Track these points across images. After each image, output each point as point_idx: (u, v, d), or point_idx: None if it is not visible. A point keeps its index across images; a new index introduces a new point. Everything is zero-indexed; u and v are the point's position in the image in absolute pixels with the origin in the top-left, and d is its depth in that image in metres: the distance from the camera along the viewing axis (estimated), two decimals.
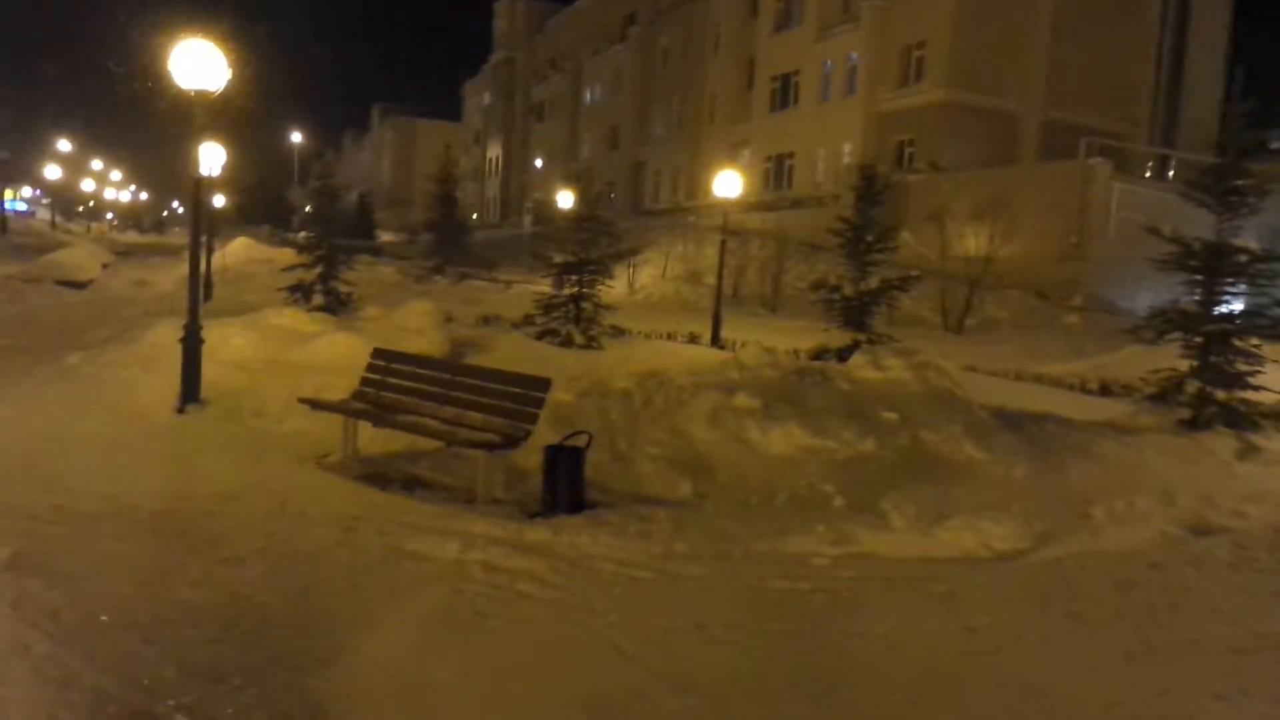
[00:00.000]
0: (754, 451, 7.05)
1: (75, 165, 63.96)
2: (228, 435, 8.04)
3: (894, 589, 5.24)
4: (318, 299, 14.06)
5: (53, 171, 57.34)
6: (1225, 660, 4.51)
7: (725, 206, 18.37)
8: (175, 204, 79.87)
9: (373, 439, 7.73)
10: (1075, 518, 6.66)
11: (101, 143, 64.46)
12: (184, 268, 10.75)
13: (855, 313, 11.66)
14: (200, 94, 8.52)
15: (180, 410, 8.48)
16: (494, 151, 74.97)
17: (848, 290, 11.49)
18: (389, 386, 7.68)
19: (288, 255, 14.69)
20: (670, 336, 15.24)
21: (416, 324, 10.95)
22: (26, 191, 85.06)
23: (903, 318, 11.79)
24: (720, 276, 17.23)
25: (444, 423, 7.01)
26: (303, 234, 16.94)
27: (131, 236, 54.74)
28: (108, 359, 9.97)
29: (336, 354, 9.36)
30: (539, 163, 62.71)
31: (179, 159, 23.07)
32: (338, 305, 14.06)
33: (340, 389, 8.31)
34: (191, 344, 8.59)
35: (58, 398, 8.84)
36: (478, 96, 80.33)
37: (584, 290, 13.12)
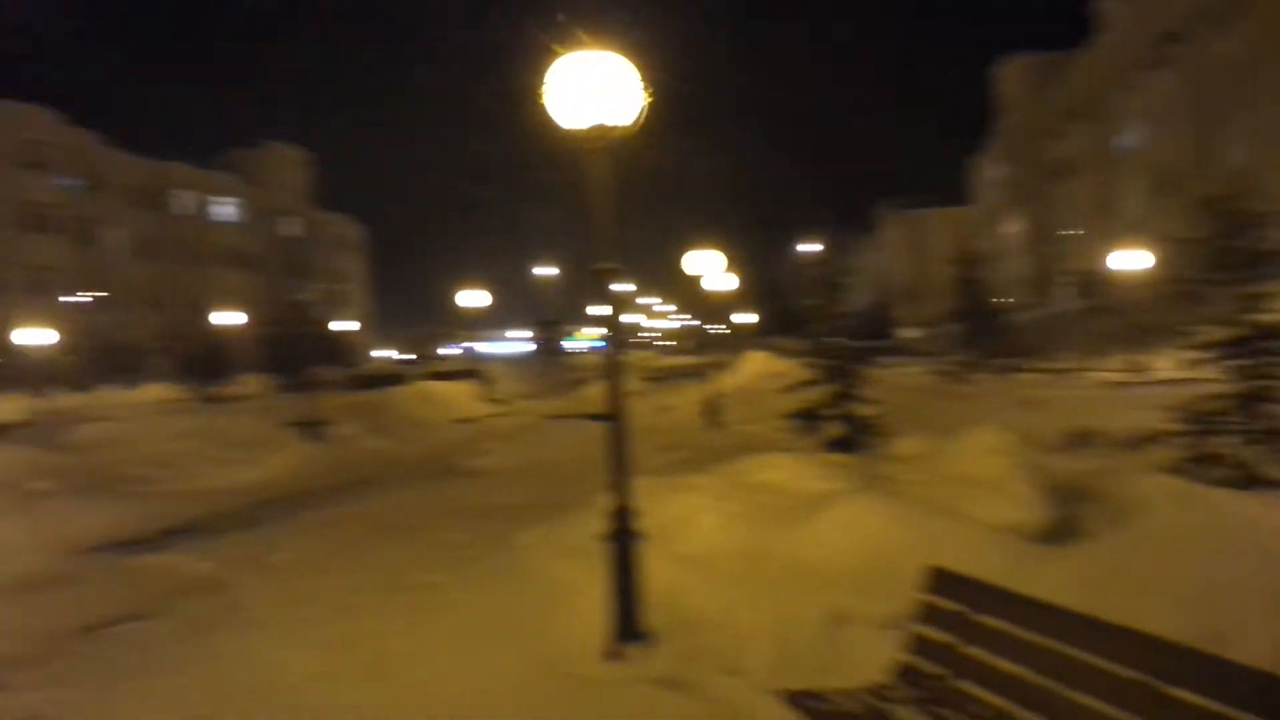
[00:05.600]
0: None
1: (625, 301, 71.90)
2: (681, 717, 4.45)
3: None
4: (832, 428, 10.02)
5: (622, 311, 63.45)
6: None
7: None
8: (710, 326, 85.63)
9: None
10: None
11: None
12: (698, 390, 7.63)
13: None
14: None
15: (612, 655, 5.11)
16: (1011, 227, 67.87)
17: None
18: (972, 670, 3.37)
19: (797, 369, 11.17)
20: None
21: (987, 471, 6.40)
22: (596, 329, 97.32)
23: None
24: None
25: None
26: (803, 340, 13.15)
27: (670, 360, 58.04)
28: (566, 540, 7.04)
29: (854, 540, 5.38)
30: (1069, 230, 54.19)
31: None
32: (857, 436, 9.88)
33: (870, 619, 4.34)
34: (622, 546, 5.21)
35: (473, 614, 6.15)
36: (983, 172, 74.10)
37: (1266, 380, 7.51)
